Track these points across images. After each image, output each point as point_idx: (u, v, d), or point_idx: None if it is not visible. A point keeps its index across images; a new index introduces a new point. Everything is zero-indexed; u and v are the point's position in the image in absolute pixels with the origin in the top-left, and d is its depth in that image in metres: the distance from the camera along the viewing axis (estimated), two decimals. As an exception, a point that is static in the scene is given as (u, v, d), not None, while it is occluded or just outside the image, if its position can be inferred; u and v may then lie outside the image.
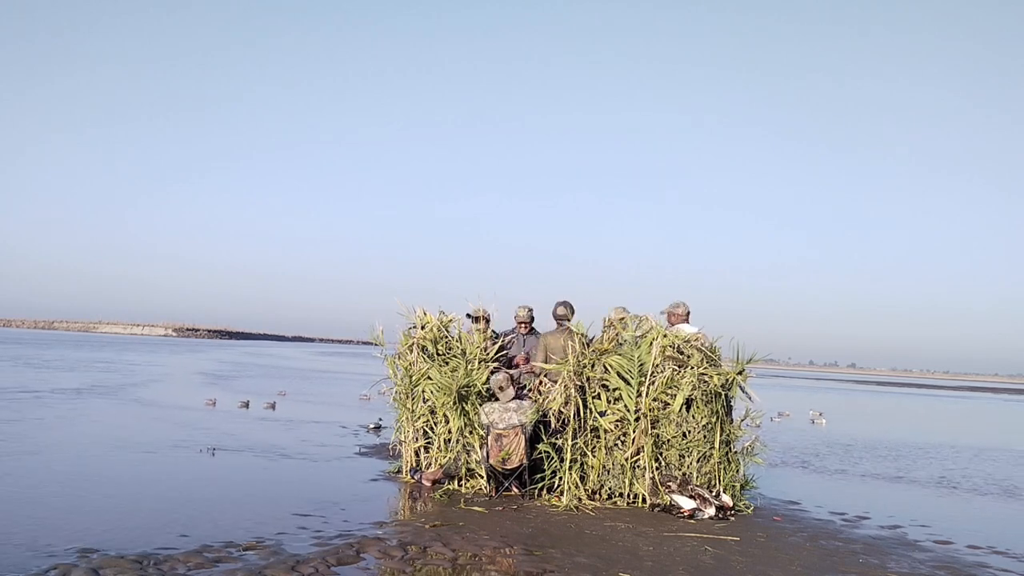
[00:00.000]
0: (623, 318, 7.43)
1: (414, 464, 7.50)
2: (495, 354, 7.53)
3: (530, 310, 7.88)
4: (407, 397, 7.56)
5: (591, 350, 7.10)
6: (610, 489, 6.88)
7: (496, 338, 7.78)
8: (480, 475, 7.08)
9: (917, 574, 5.12)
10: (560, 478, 6.86)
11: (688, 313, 7.36)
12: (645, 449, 6.71)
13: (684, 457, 6.75)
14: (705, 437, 6.80)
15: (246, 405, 14.37)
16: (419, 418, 7.51)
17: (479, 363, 7.35)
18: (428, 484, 7.11)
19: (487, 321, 7.77)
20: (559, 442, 6.88)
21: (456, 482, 7.14)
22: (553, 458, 6.87)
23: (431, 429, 7.46)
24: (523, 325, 7.87)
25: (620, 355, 6.95)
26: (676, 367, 6.88)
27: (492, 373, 7.27)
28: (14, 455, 7.73)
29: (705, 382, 6.79)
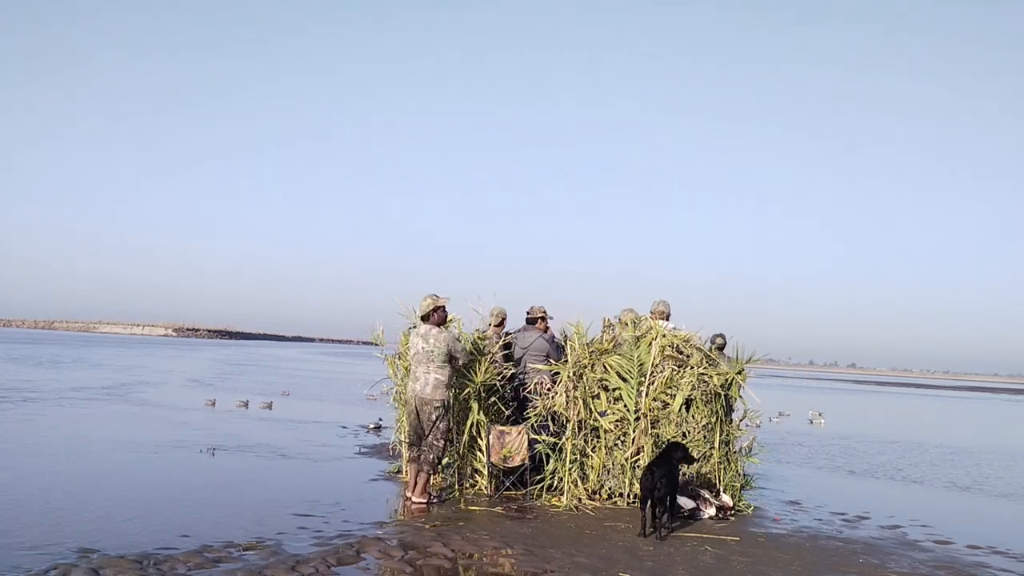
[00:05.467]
0: (634, 320, 7.44)
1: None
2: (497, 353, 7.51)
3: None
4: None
5: (590, 350, 7.09)
6: (610, 489, 6.88)
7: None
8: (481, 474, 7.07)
9: (917, 574, 5.12)
10: (560, 478, 6.86)
11: (667, 313, 7.41)
12: (645, 449, 6.71)
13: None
14: (705, 437, 6.81)
15: (245, 405, 14.37)
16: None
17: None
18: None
19: (504, 321, 7.75)
20: (560, 442, 6.88)
21: (457, 482, 7.13)
22: (553, 457, 6.87)
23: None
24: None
25: (620, 355, 6.95)
26: (676, 367, 6.88)
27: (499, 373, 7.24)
28: (14, 455, 7.72)
29: (705, 382, 6.79)
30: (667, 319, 7.42)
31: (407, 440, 6.73)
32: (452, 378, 6.61)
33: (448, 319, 7.72)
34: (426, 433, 6.47)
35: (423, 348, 6.46)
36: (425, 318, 6.56)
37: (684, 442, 6.69)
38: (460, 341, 6.72)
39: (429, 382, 6.42)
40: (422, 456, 6.51)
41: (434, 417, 6.42)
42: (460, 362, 6.67)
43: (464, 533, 5.46)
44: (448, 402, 6.55)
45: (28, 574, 4.04)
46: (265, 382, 22.49)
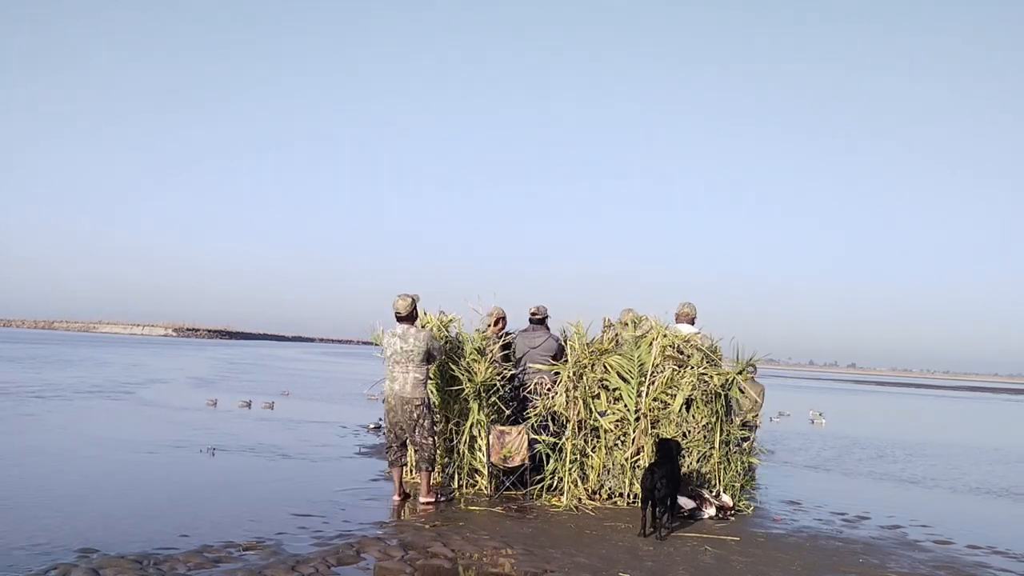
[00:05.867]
0: (634, 320, 7.42)
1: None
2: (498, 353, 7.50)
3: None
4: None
5: (590, 350, 7.08)
6: (610, 489, 6.88)
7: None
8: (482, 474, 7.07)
9: (917, 574, 5.12)
10: (560, 478, 6.86)
11: (692, 316, 7.38)
12: (645, 449, 6.71)
13: (684, 457, 6.75)
14: (705, 437, 6.80)
15: (247, 405, 14.37)
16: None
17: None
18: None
19: (503, 321, 7.74)
20: (560, 442, 6.88)
21: (456, 482, 7.13)
22: (553, 458, 6.87)
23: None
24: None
25: (620, 355, 6.95)
26: (676, 367, 6.87)
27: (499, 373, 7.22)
28: (14, 455, 7.73)
29: (705, 382, 6.79)
30: (692, 323, 7.39)
31: (387, 443, 6.67)
32: (428, 376, 6.61)
33: (449, 319, 7.73)
34: (413, 433, 6.46)
35: (401, 348, 6.44)
36: (404, 318, 6.54)
37: (684, 442, 6.70)
38: (437, 340, 6.73)
39: (408, 381, 6.42)
40: (417, 456, 6.55)
41: (416, 415, 6.42)
42: (438, 360, 6.75)
43: (464, 533, 5.46)
44: (428, 399, 6.55)
45: (28, 574, 4.04)
46: (265, 382, 22.49)
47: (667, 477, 5.62)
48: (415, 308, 6.61)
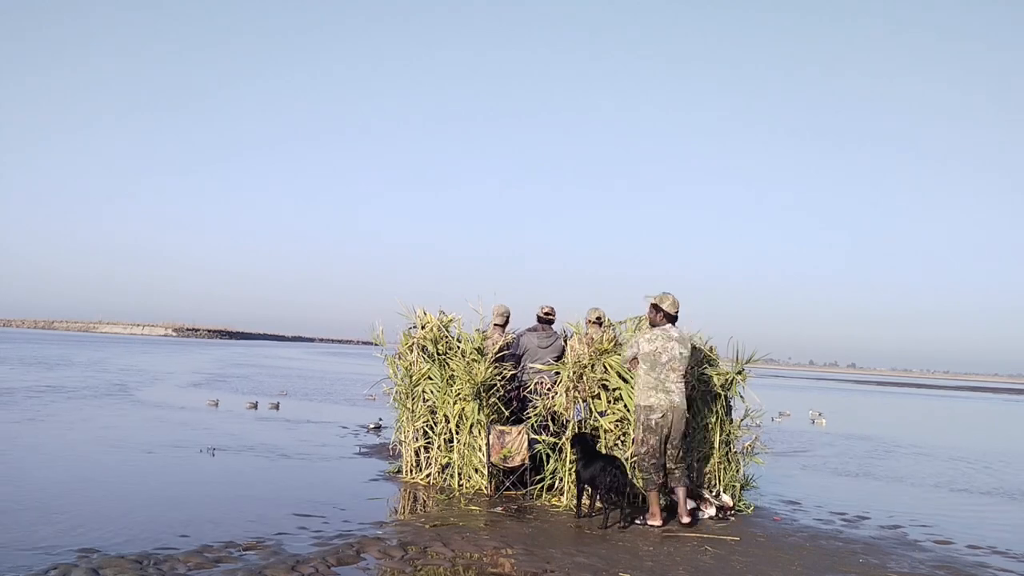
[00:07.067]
0: (599, 318, 7.41)
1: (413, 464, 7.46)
2: (497, 352, 7.50)
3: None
4: (407, 397, 7.56)
5: (592, 350, 7.08)
6: (610, 489, 6.87)
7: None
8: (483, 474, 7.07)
9: (917, 574, 5.12)
10: (560, 478, 6.86)
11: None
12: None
13: (684, 457, 6.74)
14: (705, 437, 6.80)
15: (254, 406, 14.35)
16: (419, 418, 7.50)
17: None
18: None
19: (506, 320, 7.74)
20: (560, 442, 6.87)
21: (456, 481, 7.13)
22: (553, 457, 6.87)
23: (431, 429, 7.45)
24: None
25: (620, 355, 6.94)
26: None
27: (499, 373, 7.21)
28: (13, 455, 7.73)
29: (705, 382, 6.79)
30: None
31: (654, 461, 5.99)
32: None
33: (449, 319, 7.72)
34: (677, 448, 6.03)
35: (681, 354, 5.93)
36: (674, 318, 6.06)
37: (684, 442, 6.69)
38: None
39: (683, 391, 6.04)
40: (678, 474, 6.08)
41: (683, 428, 6.06)
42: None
43: (464, 533, 5.46)
44: None
45: (28, 574, 4.04)
46: (265, 382, 22.49)
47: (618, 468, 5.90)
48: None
